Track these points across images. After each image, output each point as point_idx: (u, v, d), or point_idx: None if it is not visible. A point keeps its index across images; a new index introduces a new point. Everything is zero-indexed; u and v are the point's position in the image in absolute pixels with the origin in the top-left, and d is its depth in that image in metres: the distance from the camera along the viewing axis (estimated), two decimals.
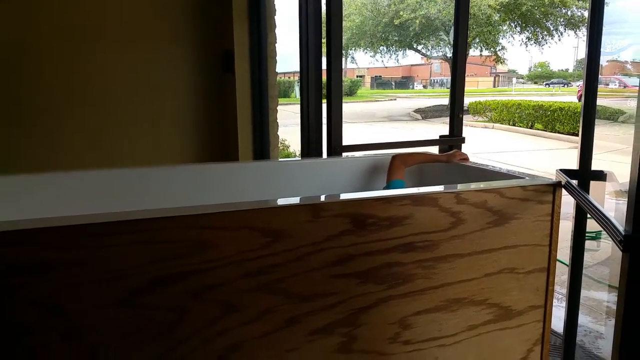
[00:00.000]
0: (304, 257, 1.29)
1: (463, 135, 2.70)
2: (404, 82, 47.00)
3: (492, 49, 20.32)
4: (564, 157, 9.78)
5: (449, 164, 1.99)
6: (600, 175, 1.61)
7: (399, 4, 18.52)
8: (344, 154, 2.33)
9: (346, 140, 2.39)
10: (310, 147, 2.44)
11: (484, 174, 1.84)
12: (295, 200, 1.35)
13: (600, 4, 1.66)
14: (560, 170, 1.64)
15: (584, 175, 1.61)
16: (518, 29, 19.63)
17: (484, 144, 11.24)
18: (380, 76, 45.97)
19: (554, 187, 1.54)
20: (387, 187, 1.93)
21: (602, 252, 4.05)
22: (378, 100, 26.19)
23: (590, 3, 1.69)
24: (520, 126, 13.58)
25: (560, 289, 3.24)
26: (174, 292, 1.18)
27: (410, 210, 1.38)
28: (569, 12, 18.16)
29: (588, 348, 2.75)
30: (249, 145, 3.37)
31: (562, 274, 2.31)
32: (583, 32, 20.24)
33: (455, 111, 2.72)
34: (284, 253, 1.27)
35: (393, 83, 45.19)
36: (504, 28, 19.10)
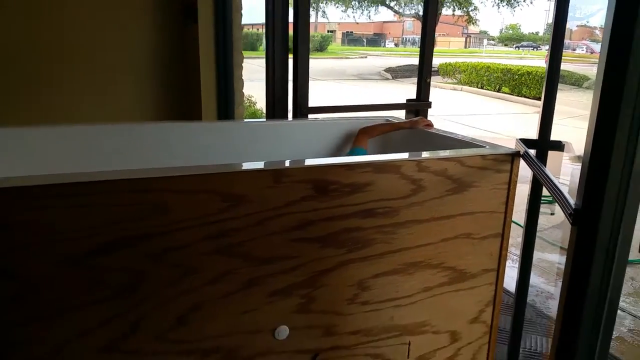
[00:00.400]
0: (264, 222, 1.30)
1: (430, 100, 2.72)
2: (376, 40, 46.44)
3: (464, 8, 20.23)
4: (530, 121, 9.96)
5: (413, 129, 2.00)
6: (559, 146, 1.66)
7: None
8: (310, 116, 2.32)
9: (314, 100, 2.38)
10: (275, 106, 2.41)
11: (446, 142, 1.86)
12: (257, 165, 1.34)
13: None
14: (520, 139, 1.68)
15: (543, 145, 1.65)
16: None
17: (452, 107, 11.34)
18: (352, 32, 45.32)
19: (512, 157, 1.58)
20: (350, 153, 1.95)
21: (557, 216, 4.21)
22: (349, 58, 25.92)
23: None
24: (488, 89, 13.71)
25: (516, 251, 3.37)
26: (133, 254, 1.18)
27: (372, 178, 1.39)
28: None
29: (539, 307, 2.89)
30: (212, 103, 3.31)
31: (517, 236, 2.41)
32: None
33: (424, 75, 2.72)
34: (245, 217, 1.27)
35: (365, 40, 44.62)
36: None
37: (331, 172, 1.34)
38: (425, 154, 1.50)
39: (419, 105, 2.70)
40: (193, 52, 3.27)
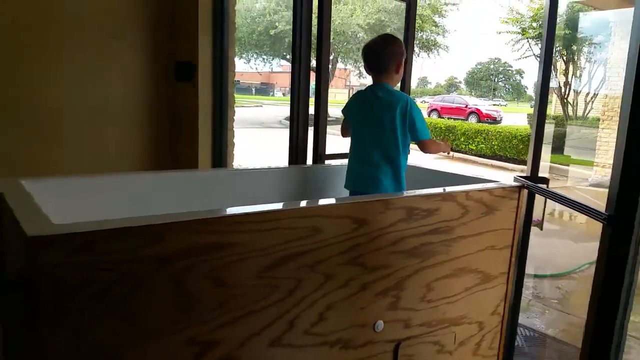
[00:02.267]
0: (375, 239, 1.72)
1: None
2: (264, 89, 47.51)
3: (357, 64, 21.91)
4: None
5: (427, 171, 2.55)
6: (545, 180, 2.27)
7: (274, 14, 19.23)
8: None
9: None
10: (298, 154, 2.83)
11: (456, 179, 2.43)
12: (373, 197, 1.77)
13: None
14: (517, 176, 2.28)
15: (534, 180, 2.25)
16: None
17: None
18: (239, 81, 46.06)
19: (520, 188, 2.17)
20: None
21: None
22: (244, 106, 26.51)
23: None
24: None
25: None
26: (296, 266, 1.54)
27: (439, 204, 1.88)
28: (423, 36, 20.35)
29: None
30: (208, 153, 3.62)
31: None
32: (434, 54, 22.76)
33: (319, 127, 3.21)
34: (364, 236, 1.69)
35: (253, 89, 45.53)
36: None
37: (416, 201, 1.82)
38: (471, 187, 2.02)
39: None
40: (188, 106, 3.59)
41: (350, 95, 2.40)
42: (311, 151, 2.90)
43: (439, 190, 1.92)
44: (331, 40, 2.98)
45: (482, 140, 13.48)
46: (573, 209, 1.84)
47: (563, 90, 14.36)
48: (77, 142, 3.37)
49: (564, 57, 14.30)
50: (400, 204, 1.77)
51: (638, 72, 1.44)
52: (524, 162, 12.27)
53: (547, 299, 3.66)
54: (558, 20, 2.26)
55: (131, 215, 1.31)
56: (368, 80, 2.38)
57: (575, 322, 3.32)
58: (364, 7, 22.33)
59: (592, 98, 13.96)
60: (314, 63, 3.06)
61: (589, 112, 14.23)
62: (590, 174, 10.33)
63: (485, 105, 28.25)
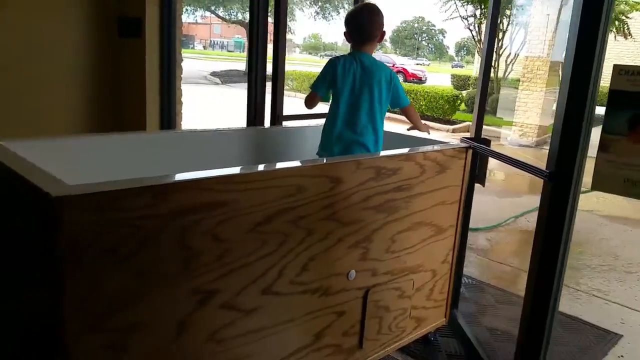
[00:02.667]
0: (349, 197, 1.89)
1: None
2: (184, 42, 45.76)
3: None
4: None
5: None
6: (487, 142, 2.52)
7: None
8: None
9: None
10: (256, 116, 2.92)
11: (417, 141, 2.63)
12: (347, 158, 1.92)
13: None
14: (463, 138, 2.51)
15: (478, 141, 2.49)
16: (309, 2, 21.24)
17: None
18: None
19: (467, 149, 2.40)
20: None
21: None
22: None
23: None
24: None
25: None
26: (282, 222, 1.68)
27: (402, 164, 2.07)
28: None
29: None
30: (156, 112, 3.61)
31: None
32: None
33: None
34: (339, 194, 1.85)
35: None
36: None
37: (383, 161, 1.99)
38: (427, 148, 2.22)
39: None
40: (134, 63, 3.54)
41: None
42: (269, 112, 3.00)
43: (402, 151, 2.11)
44: None
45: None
46: (515, 166, 2.10)
47: None
48: (12, 101, 3.27)
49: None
50: (370, 164, 1.94)
51: (580, 40, 1.66)
52: (450, 122, 12.89)
53: (480, 250, 4.04)
54: None
55: (98, 176, 1.40)
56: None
57: (505, 270, 3.71)
58: None
59: (512, 60, 14.72)
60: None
61: (509, 73, 15.03)
62: (509, 133, 11.06)
63: (410, 65, 28.81)
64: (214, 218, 1.49)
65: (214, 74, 20.95)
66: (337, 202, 1.85)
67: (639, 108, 1.52)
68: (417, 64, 37.50)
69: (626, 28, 14.34)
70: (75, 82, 3.53)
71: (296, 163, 1.73)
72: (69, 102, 3.54)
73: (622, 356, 2.61)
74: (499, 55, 15.09)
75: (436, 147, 2.27)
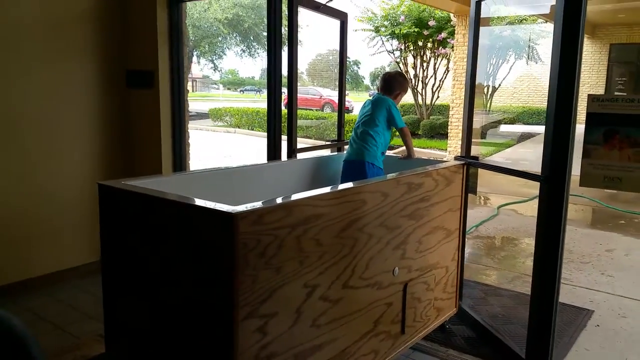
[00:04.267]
0: (393, 207, 2.37)
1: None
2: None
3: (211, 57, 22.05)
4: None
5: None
6: (475, 158, 3.09)
7: None
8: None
9: None
10: (276, 150, 3.35)
11: (426, 161, 3.16)
12: (391, 176, 2.40)
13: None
14: (456, 157, 3.07)
15: (468, 158, 3.06)
16: (237, 40, 21.85)
17: (236, 147, 12.63)
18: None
19: (464, 165, 2.96)
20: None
21: None
22: None
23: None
24: (259, 130, 15.52)
25: None
26: (354, 229, 2.13)
27: (424, 179, 2.59)
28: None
29: None
30: (169, 156, 3.95)
31: None
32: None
33: (342, 122, 3.96)
34: (387, 205, 2.33)
35: None
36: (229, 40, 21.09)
37: (412, 178, 2.49)
38: (439, 166, 2.75)
39: (341, 143, 3.92)
40: (148, 112, 3.88)
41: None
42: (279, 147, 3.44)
43: (422, 169, 2.62)
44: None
45: (350, 129, 14.73)
46: (512, 174, 2.67)
47: (413, 82, 16.21)
48: (26, 156, 3.51)
49: (412, 53, 16.13)
50: (404, 180, 2.44)
51: (562, 64, 2.26)
52: (391, 147, 13.72)
53: None
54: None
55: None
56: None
57: (481, 269, 4.29)
58: (220, 1, 22.53)
59: (437, 88, 15.96)
60: None
61: (436, 100, 16.26)
62: (444, 154, 12.01)
63: (334, 96, 29.62)
64: (317, 227, 1.92)
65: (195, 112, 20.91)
66: (386, 212, 2.32)
67: (609, 125, 2.13)
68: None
69: (536, 53, 16.04)
70: (88, 132, 3.80)
71: (362, 183, 2.20)
72: (82, 152, 3.80)
73: (598, 325, 3.23)
74: (425, 85, 16.31)
75: (444, 165, 2.81)
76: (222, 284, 1.63)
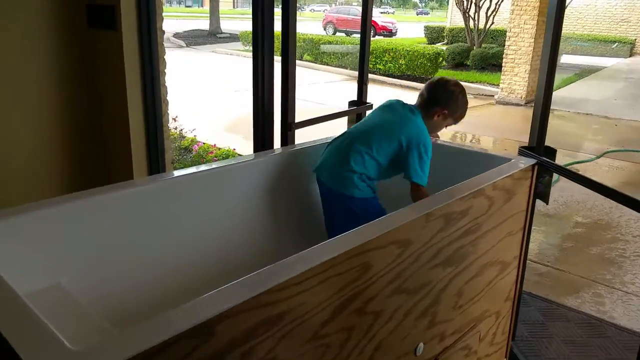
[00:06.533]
0: (418, 258, 1.47)
1: (370, 102, 2.97)
2: None
3: None
4: (341, 89, 10.83)
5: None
6: (552, 151, 2.11)
7: None
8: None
9: None
10: (264, 124, 2.42)
11: (466, 154, 2.19)
12: (416, 211, 1.47)
13: None
14: (522, 147, 2.09)
15: (540, 151, 2.08)
16: None
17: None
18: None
19: (533, 166, 1.98)
20: None
21: None
22: None
23: None
24: (308, 59, 14.35)
25: None
26: (345, 316, 1.26)
27: (471, 203, 1.65)
28: None
29: None
30: (139, 114, 3.07)
31: None
32: None
33: (364, 79, 2.97)
34: (408, 258, 1.43)
35: None
36: None
37: (453, 205, 1.56)
38: (497, 176, 1.79)
39: (363, 109, 2.95)
40: (109, 57, 2.97)
41: None
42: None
43: (471, 187, 1.67)
44: None
45: (390, 60, 13.35)
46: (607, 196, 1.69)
47: (465, 4, 14.46)
48: None
49: None
50: (439, 212, 1.51)
51: None
52: None
53: None
54: None
55: None
56: None
57: (534, 269, 3.38)
58: None
59: (493, 12, 14.19)
60: None
61: (490, 25, 14.53)
62: (497, 90, 10.68)
63: (378, 16, 27.26)
64: (277, 335, 1.06)
65: (177, 35, 19.82)
66: (405, 270, 1.42)
67: None
68: (382, 13, 35.95)
69: None
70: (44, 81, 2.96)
71: (361, 235, 1.28)
72: (33, 101, 2.97)
73: None
74: (478, 7, 14.54)
75: (505, 173, 1.83)
76: None
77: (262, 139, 2.41)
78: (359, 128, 2.08)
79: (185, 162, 4.64)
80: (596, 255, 3.64)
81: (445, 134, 7.92)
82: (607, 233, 3.97)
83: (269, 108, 2.48)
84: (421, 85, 9.95)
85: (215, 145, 5.17)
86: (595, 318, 2.83)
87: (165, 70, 3.18)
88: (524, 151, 2.08)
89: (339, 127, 2.43)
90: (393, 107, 2.07)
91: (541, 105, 2.07)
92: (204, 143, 5.15)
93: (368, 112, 2.69)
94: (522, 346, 2.52)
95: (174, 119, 4.96)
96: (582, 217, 4.29)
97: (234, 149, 5.08)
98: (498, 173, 1.82)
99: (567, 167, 2.29)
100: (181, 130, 5.20)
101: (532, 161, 1.98)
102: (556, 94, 10.48)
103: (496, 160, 2.03)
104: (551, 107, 2.12)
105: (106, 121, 3.13)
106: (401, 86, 12.52)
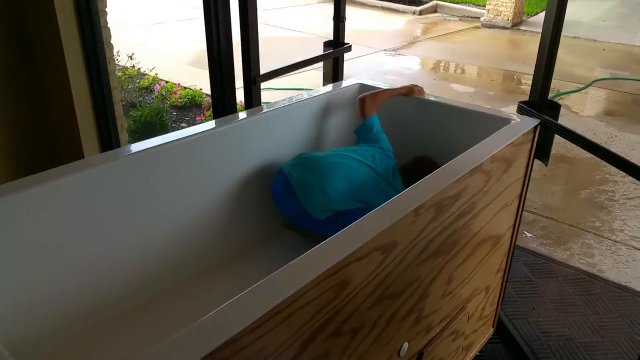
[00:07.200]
0: (404, 258, 1.24)
1: (349, 43, 2.63)
2: None
3: None
4: (318, 15, 10.15)
5: (409, 97, 1.98)
6: (555, 106, 1.85)
7: None
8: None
9: None
10: (224, 76, 2.09)
11: (455, 111, 1.92)
12: (402, 205, 1.22)
13: None
14: (521, 102, 1.83)
15: (541, 107, 1.82)
16: None
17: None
18: None
19: (535, 128, 1.73)
20: (363, 125, 1.87)
21: None
22: None
23: None
24: None
25: None
26: (321, 340, 1.04)
27: (467, 182, 1.41)
28: None
29: None
30: (78, 60, 2.65)
31: None
32: None
33: (340, 15, 2.61)
34: (393, 261, 1.20)
35: None
36: None
37: (446, 190, 1.32)
38: (496, 147, 1.53)
39: (340, 51, 2.61)
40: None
41: None
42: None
43: (467, 165, 1.41)
44: None
45: None
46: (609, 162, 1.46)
47: None
48: None
49: None
50: (431, 202, 1.27)
51: None
52: (414, 2, 11.78)
53: None
54: None
55: None
56: None
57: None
58: None
59: None
60: None
61: None
62: (482, 12, 10.15)
63: None
64: None
65: None
66: (389, 274, 1.20)
67: None
68: None
69: None
70: None
71: (335, 251, 1.03)
72: None
73: None
74: None
75: (504, 141, 1.57)
76: None
77: (222, 99, 2.08)
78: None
79: (146, 106, 4.22)
80: (585, 199, 3.49)
81: (428, 63, 7.54)
82: (596, 174, 3.80)
83: (227, 55, 2.12)
84: (405, 7, 9.31)
85: (179, 84, 4.74)
86: (584, 272, 2.71)
87: (106, 10, 2.74)
88: (523, 108, 1.82)
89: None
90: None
91: (546, 52, 1.78)
92: (166, 82, 4.72)
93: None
94: (509, 309, 2.39)
95: (131, 57, 4.50)
96: (572, 156, 4.11)
97: (201, 89, 4.66)
98: (497, 142, 1.56)
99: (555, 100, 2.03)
100: (139, 68, 4.70)
101: (534, 122, 1.72)
102: (542, 16, 10.04)
103: (492, 120, 1.77)
104: (537, 31, 1.82)
105: (42, 78, 2.71)
106: (382, 8, 11.84)
